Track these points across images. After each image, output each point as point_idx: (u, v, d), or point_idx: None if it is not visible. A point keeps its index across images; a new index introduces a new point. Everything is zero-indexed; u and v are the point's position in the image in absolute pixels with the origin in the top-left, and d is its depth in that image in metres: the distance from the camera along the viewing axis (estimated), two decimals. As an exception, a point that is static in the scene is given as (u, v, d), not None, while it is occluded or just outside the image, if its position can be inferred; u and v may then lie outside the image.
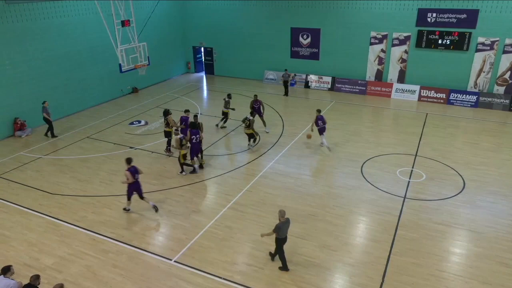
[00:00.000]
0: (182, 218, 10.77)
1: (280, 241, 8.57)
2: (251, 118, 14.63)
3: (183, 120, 14.11)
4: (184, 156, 12.91)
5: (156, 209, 10.94)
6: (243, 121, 14.52)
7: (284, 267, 8.72)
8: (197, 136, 12.82)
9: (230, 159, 14.33)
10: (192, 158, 13.06)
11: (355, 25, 21.17)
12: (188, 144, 12.82)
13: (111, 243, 9.80)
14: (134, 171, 10.52)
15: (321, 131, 14.42)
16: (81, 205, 11.50)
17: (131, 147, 15.22)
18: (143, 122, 18.02)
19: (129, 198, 10.89)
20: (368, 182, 12.40)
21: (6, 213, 11.14)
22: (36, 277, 7.29)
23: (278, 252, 8.68)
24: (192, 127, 12.88)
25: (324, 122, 14.46)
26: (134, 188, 10.70)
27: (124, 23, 15.15)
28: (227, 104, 16.68)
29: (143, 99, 21.41)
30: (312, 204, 11.30)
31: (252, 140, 14.85)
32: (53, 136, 16.54)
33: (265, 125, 16.54)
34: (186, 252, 9.39)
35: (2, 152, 15.15)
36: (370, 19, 20.76)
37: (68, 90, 18.72)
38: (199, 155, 13.56)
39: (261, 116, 16.57)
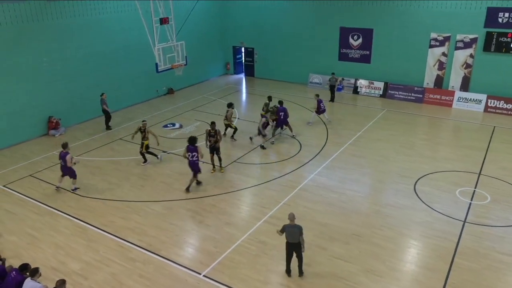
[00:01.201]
0: (214, 229, 10.88)
1: (286, 245, 8.87)
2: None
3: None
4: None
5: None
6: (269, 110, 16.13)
7: (286, 271, 9.06)
8: (194, 154, 12.29)
9: (268, 168, 14.34)
10: (194, 176, 12.66)
11: (413, 26, 20.62)
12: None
13: (139, 251, 10.08)
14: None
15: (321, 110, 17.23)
16: (110, 209, 11.95)
17: (163, 151, 15.63)
18: (177, 125, 18.50)
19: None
20: (422, 201, 11.93)
21: (36, 214, 11.81)
22: (62, 282, 7.63)
23: (286, 256, 9.00)
24: (190, 143, 12.32)
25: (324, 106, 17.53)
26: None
27: (162, 21, 15.71)
28: (265, 107, 16.79)
29: (178, 101, 22.01)
30: (357, 222, 11.03)
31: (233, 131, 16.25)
32: (108, 128, 18.00)
33: (291, 130, 16.62)
34: (216, 266, 9.46)
35: (36, 150, 16.12)
36: (430, 19, 20.14)
37: (102, 90, 19.56)
38: (219, 162, 13.84)
39: (287, 124, 16.52)
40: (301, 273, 9.00)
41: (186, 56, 17.16)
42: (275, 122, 16.08)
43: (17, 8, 15.90)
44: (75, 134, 17.61)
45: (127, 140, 16.85)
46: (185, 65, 17.12)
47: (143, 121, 14.65)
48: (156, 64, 15.80)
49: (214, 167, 13.97)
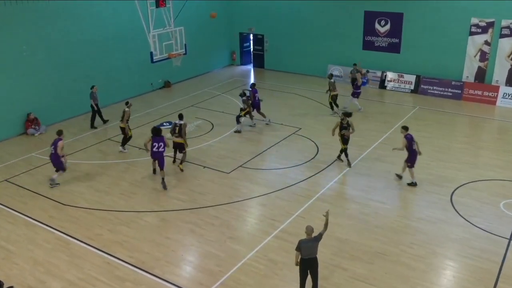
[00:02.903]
0: (216, 245, 10.86)
1: (302, 262, 8.62)
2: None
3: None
4: None
5: None
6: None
7: None
8: (160, 144, 13.08)
9: (279, 174, 14.31)
10: (161, 169, 13.31)
11: (450, 10, 20.51)
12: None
13: (129, 269, 10.10)
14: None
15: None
16: (97, 220, 12.00)
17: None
18: (174, 124, 18.53)
19: None
20: (460, 215, 11.81)
21: (12, 224, 11.91)
22: None
23: (300, 274, 8.75)
24: (154, 134, 13.19)
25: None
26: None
27: (158, 3, 15.72)
28: (331, 86, 18.62)
29: (176, 96, 22.10)
30: (382, 239, 10.95)
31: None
32: (92, 126, 18.48)
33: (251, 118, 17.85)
34: (219, 287, 9.46)
35: (13, 151, 16.28)
36: (471, 1, 20.03)
37: (91, 83, 19.68)
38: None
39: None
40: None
41: (185, 44, 17.20)
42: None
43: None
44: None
45: (117, 141, 16.93)
46: (184, 54, 17.16)
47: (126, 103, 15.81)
48: (151, 53, 15.85)
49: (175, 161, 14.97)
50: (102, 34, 19.95)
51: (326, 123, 17.98)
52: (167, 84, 23.53)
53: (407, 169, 13.27)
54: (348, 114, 14.32)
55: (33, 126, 17.71)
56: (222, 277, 9.75)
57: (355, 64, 21.21)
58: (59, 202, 12.90)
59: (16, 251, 10.82)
